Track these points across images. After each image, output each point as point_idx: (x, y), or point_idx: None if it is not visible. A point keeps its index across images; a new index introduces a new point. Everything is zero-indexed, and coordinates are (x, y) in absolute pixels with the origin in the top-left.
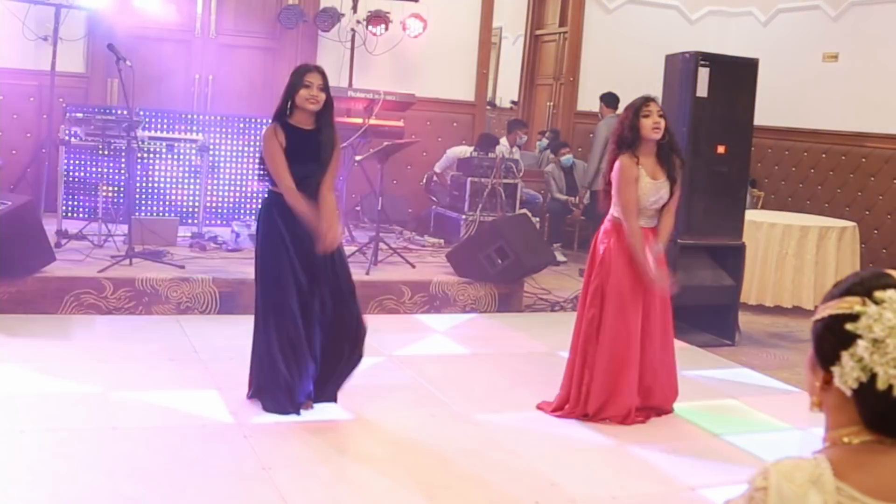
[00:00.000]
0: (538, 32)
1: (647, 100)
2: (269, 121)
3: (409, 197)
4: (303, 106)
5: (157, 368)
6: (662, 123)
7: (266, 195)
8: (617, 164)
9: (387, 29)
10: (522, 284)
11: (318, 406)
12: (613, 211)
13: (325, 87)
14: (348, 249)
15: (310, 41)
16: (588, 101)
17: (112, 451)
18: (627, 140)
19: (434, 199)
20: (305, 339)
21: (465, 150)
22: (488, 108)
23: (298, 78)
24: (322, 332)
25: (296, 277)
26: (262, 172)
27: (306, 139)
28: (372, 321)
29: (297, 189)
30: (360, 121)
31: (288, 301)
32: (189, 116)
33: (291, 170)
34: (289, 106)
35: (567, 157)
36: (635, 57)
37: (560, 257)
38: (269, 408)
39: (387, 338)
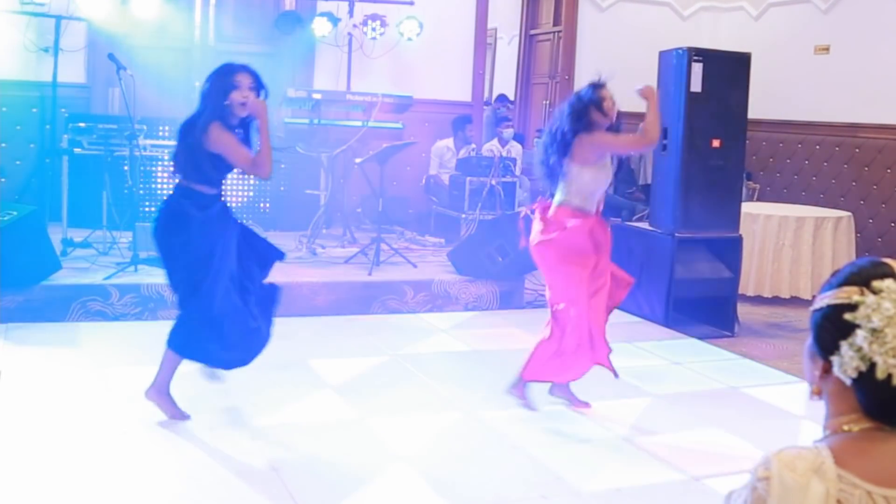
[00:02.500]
0: (533, 32)
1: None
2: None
3: (410, 197)
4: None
5: (150, 374)
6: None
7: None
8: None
9: (383, 32)
10: (523, 281)
11: (324, 405)
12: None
13: (257, 87)
14: (351, 251)
15: (307, 46)
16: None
17: (122, 453)
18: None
19: (434, 199)
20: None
21: (444, 143)
22: (485, 107)
23: (229, 78)
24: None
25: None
26: (188, 168)
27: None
28: (375, 321)
29: (215, 186)
30: (358, 123)
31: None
32: None
33: (223, 172)
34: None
35: None
36: (629, 54)
37: None
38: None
39: (390, 337)
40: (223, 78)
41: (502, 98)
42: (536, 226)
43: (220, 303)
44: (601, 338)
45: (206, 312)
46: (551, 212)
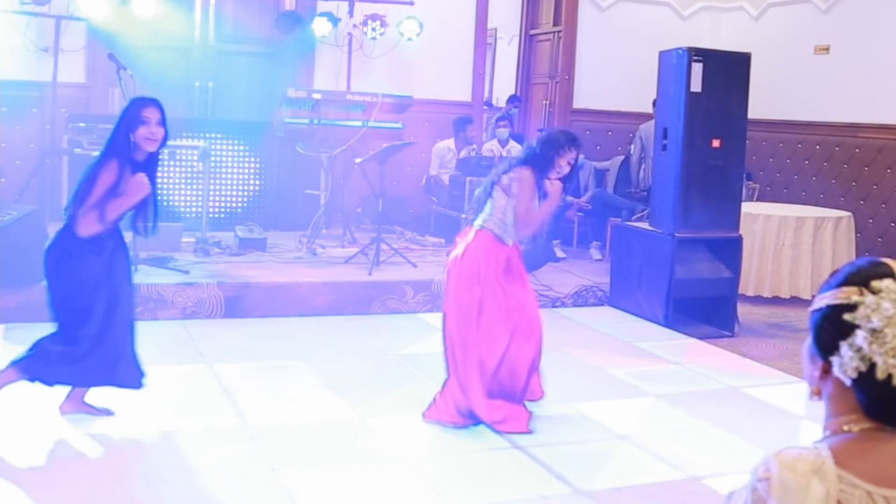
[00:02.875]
0: (533, 32)
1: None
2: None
3: (410, 197)
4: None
5: (164, 374)
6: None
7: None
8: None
9: (383, 32)
10: None
11: (324, 405)
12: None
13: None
14: (351, 251)
15: (307, 46)
16: (583, 99)
17: (123, 456)
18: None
19: (434, 198)
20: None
21: (445, 144)
22: (485, 107)
23: (136, 112)
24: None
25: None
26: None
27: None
28: (375, 321)
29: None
30: (358, 123)
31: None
32: (190, 123)
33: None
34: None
35: (580, 159)
36: (629, 54)
37: (560, 254)
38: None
39: (390, 337)
40: (132, 111)
41: (514, 98)
42: None
43: None
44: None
45: None
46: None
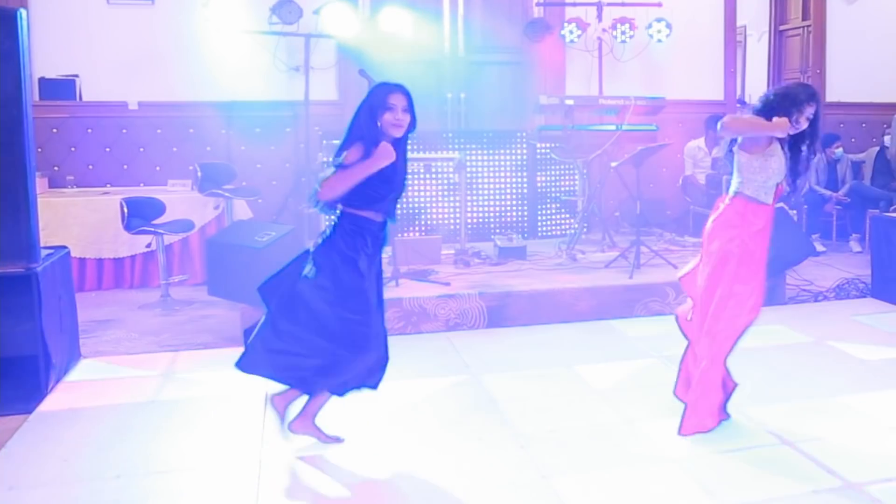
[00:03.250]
0: (782, 28)
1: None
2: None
3: (667, 199)
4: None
5: (431, 386)
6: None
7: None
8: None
9: (633, 35)
10: (784, 277)
11: (591, 410)
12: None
13: (410, 108)
14: (610, 255)
15: (558, 52)
16: (837, 92)
17: (391, 471)
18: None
19: (690, 199)
20: None
21: (696, 143)
22: (739, 105)
23: (382, 97)
24: None
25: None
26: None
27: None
28: (638, 324)
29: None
30: (612, 127)
31: None
32: (444, 135)
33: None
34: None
35: (839, 152)
36: (880, 44)
37: (819, 248)
38: None
39: (654, 339)
40: (376, 97)
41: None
42: None
43: None
44: None
45: None
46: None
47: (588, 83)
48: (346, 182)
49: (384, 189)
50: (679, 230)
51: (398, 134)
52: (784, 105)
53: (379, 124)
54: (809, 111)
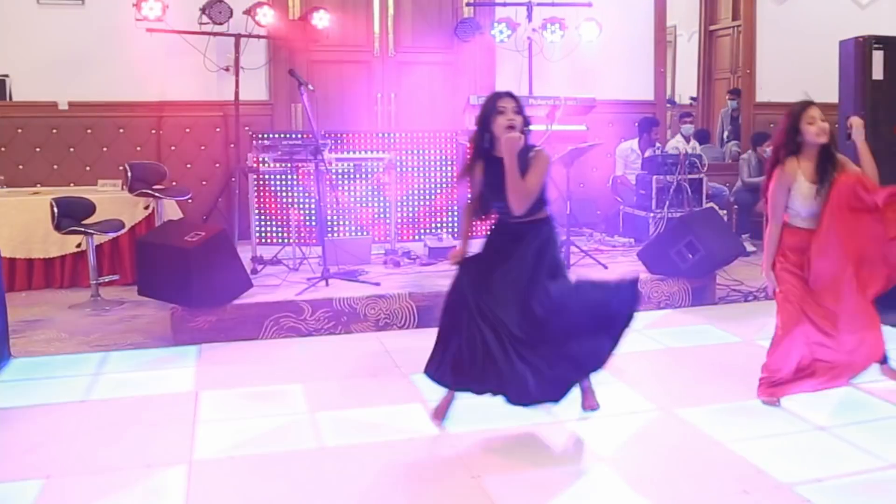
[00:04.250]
0: (712, 28)
1: (807, 105)
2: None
3: (597, 199)
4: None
5: (360, 386)
6: (826, 127)
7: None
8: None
9: (562, 35)
10: (714, 277)
11: (523, 411)
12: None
13: (520, 110)
14: None
15: (488, 52)
16: (767, 92)
17: (323, 470)
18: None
19: (620, 199)
20: None
21: (629, 144)
22: (668, 105)
23: (492, 104)
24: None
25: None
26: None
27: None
28: None
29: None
30: (542, 127)
31: None
32: (374, 135)
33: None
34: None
35: (769, 151)
36: (809, 45)
37: (749, 247)
38: None
39: None
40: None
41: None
42: None
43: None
44: None
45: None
46: None
47: (518, 83)
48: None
49: (494, 197)
50: (609, 230)
51: (513, 134)
52: (789, 124)
53: (492, 130)
54: (809, 115)
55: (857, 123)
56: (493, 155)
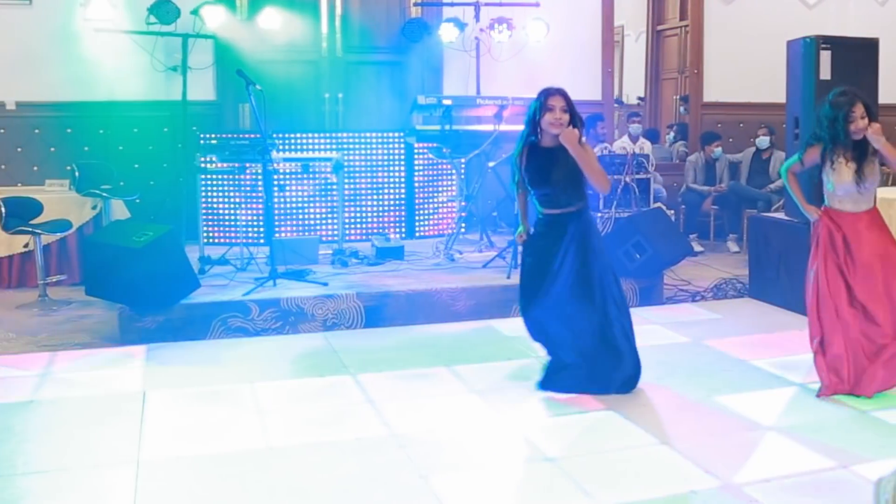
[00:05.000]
0: (660, 28)
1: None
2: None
3: None
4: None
5: (307, 386)
6: (865, 124)
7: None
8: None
9: (510, 35)
10: (662, 277)
11: (468, 410)
12: None
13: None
14: (488, 255)
15: (435, 52)
16: (714, 92)
17: (271, 470)
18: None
19: None
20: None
21: None
22: (616, 105)
23: (542, 101)
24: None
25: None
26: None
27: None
28: (515, 324)
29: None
30: (490, 127)
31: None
32: (322, 135)
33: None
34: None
35: (717, 151)
36: (757, 45)
37: (697, 247)
38: None
39: (532, 340)
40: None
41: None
42: None
43: None
44: None
45: None
46: None
47: (466, 83)
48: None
49: (532, 184)
50: None
51: (557, 131)
52: (828, 116)
53: (540, 126)
54: (849, 109)
55: (875, 129)
56: (538, 146)
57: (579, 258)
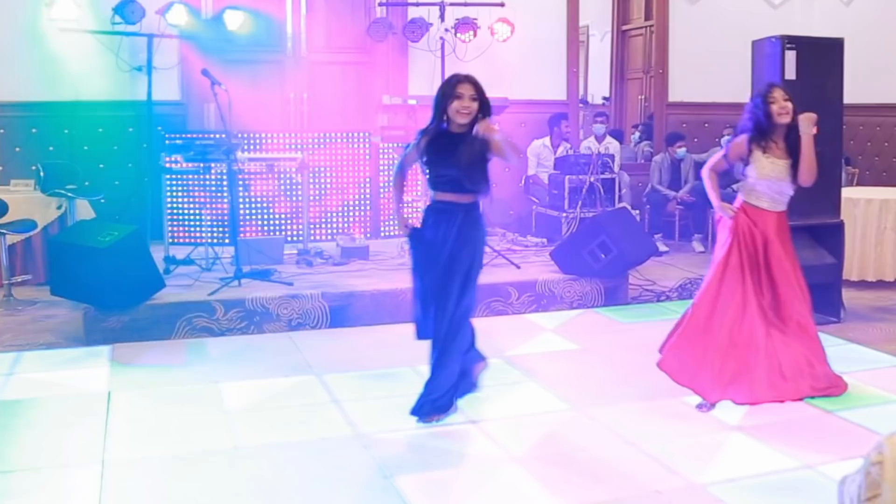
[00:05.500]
0: (625, 27)
1: (770, 87)
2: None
3: (510, 199)
4: (453, 117)
5: (273, 386)
6: (789, 107)
7: None
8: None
9: (475, 35)
10: (627, 277)
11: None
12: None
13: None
14: None
15: (400, 52)
16: (679, 92)
17: (237, 470)
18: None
19: (533, 199)
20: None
21: (541, 142)
22: (581, 105)
23: (450, 88)
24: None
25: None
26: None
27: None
28: (481, 323)
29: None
30: None
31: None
32: (287, 135)
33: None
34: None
35: (681, 151)
36: (722, 45)
37: (662, 247)
38: None
39: (497, 339)
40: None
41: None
42: None
43: None
44: None
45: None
46: None
47: (431, 83)
48: (396, 173)
49: (434, 166)
50: (522, 230)
51: (464, 120)
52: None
53: (447, 113)
54: (773, 95)
55: (806, 118)
56: (445, 130)
57: (458, 246)
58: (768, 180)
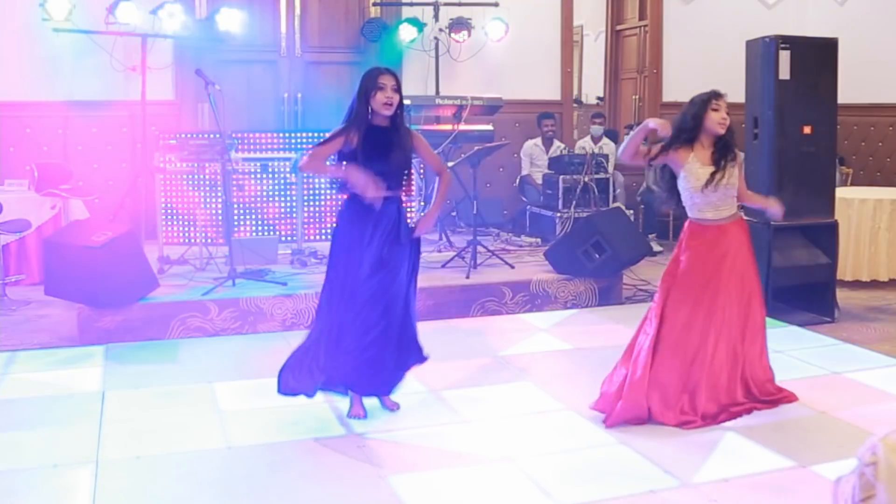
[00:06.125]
0: (619, 27)
1: (717, 94)
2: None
3: (504, 199)
4: (378, 109)
5: (267, 385)
6: (728, 122)
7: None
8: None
9: (469, 35)
10: (621, 277)
11: (430, 410)
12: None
13: (398, 89)
14: (447, 255)
15: (394, 52)
16: (673, 92)
17: (230, 470)
18: (688, 130)
19: (527, 199)
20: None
21: (534, 142)
22: (575, 105)
23: (373, 79)
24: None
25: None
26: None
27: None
28: (475, 323)
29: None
30: (449, 127)
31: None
32: (280, 135)
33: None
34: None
35: None
36: (716, 45)
37: (656, 247)
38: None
39: (492, 339)
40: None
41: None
42: None
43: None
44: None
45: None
46: None
47: (425, 83)
48: (313, 159)
49: (368, 160)
50: (516, 230)
51: (387, 112)
52: (689, 113)
53: (370, 105)
54: (715, 103)
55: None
56: (372, 124)
57: (387, 244)
58: (701, 191)
